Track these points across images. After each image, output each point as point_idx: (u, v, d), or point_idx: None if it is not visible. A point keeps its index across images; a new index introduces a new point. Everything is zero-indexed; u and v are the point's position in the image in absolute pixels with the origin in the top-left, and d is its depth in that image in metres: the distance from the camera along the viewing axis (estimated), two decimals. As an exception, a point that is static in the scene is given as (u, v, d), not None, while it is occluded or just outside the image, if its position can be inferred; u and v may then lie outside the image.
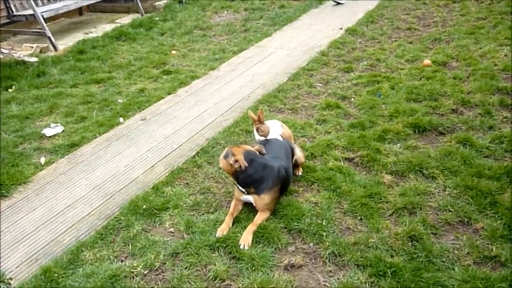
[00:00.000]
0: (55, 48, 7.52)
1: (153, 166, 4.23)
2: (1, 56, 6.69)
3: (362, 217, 3.40)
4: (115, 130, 4.92)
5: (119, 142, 4.67)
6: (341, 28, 7.96)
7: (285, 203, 3.53)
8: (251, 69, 6.44)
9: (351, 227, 3.34)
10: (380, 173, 3.89)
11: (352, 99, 5.33)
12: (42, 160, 4.39)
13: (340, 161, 4.08)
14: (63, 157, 4.45)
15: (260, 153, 3.40)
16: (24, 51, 7.33)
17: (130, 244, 3.26)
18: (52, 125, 4.99)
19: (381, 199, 3.57)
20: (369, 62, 6.37)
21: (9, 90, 5.99)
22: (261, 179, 3.31)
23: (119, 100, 5.59)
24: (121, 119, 5.12)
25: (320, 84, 5.80)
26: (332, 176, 3.82)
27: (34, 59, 6.80)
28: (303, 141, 4.45)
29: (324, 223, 3.34)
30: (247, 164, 3.22)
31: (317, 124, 4.79)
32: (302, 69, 6.23)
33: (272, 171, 3.34)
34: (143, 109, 5.37)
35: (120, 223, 3.47)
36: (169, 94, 5.76)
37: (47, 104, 5.52)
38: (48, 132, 4.85)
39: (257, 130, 3.83)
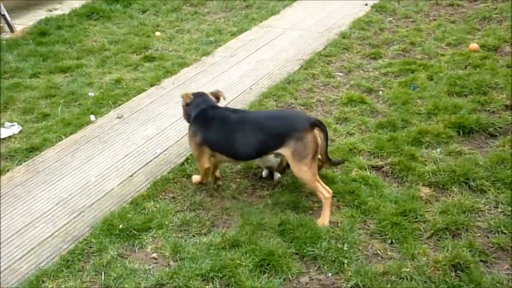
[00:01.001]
0: (11, 29, 7.54)
1: (131, 175, 4.22)
2: None
3: (393, 241, 3.39)
4: (84, 130, 4.92)
5: (90, 145, 4.67)
6: (366, 4, 7.97)
7: (296, 222, 3.52)
8: (254, 55, 6.44)
9: (379, 252, 3.32)
10: (416, 185, 3.88)
11: (380, 92, 5.33)
12: (-6, 167, 4.39)
13: (365, 170, 4.07)
14: (20, 164, 4.45)
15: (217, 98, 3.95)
16: (-28, 32, 7.38)
17: (103, 274, 3.25)
18: (7, 124, 5.00)
19: (416, 218, 3.55)
20: (401, 46, 6.37)
21: (-46, 80, 6.02)
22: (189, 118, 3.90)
23: (90, 93, 5.59)
24: (92, 117, 5.12)
25: (341, 74, 5.80)
26: (356, 189, 3.81)
27: (-16, 42, 6.83)
28: (319, 145, 4.43)
29: (345, 248, 3.32)
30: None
31: (337, 123, 4.78)
32: (317, 55, 6.23)
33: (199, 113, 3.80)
34: (119, 105, 5.37)
35: (90, 247, 3.46)
36: (152, 85, 5.77)
37: (0, 98, 5.53)
38: (2, 133, 4.86)
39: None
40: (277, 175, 4.07)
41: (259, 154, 3.67)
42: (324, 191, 3.60)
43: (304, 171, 3.53)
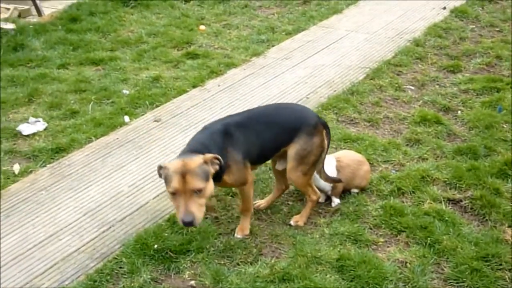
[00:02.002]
0: (39, 13, 7.74)
1: (169, 188, 4.26)
2: (-33, 19, 6.95)
3: (472, 289, 3.32)
4: (117, 132, 5.00)
5: (123, 150, 4.74)
6: (444, 8, 7.90)
7: (357, 258, 3.49)
8: (312, 59, 6.45)
9: (455, 302, 3.26)
10: (500, 225, 3.80)
11: (459, 112, 5.27)
12: (16, 168, 4.50)
13: (440, 202, 4.02)
14: (45, 165, 4.54)
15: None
16: (-3, 13, 7.60)
17: (133, 299, 3.28)
18: (31, 119, 5.11)
19: (501, 264, 3.47)
20: (485, 59, 6.29)
21: (-26, 66, 6.20)
22: None
23: (124, 91, 5.69)
24: (126, 118, 5.21)
25: (413, 87, 5.76)
26: (428, 225, 3.77)
27: (10, 26, 7.03)
28: (386, 169, 4.41)
29: (415, 293, 3.28)
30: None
31: (407, 145, 4.75)
32: (386, 63, 6.21)
33: None
34: (157, 106, 5.45)
35: (121, 267, 3.49)
36: (194, 87, 5.83)
37: (25, 90, 5.68)
38: (25, 129, 4.98)
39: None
40: (336, 201, 4.05)
41: (277, 150, 3.75)
42: (313, 194, 3.85)
43: (298, 176, 3.71)
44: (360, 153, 4.54)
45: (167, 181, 3.24)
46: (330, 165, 3.97)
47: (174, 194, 3.21)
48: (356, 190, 4.14)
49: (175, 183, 3.17)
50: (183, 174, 3.16)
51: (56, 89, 5.73)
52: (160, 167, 3.33)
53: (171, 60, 6.44)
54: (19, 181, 4.35)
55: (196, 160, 3.22)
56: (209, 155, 3.28)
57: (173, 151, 4.71)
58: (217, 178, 3.38)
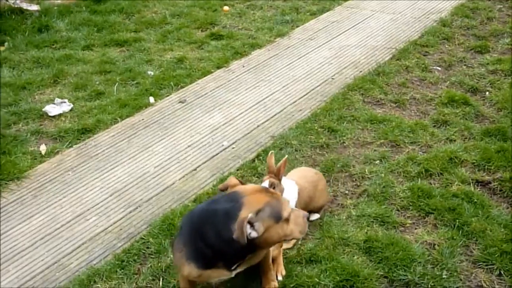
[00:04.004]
0: (64, -7, 7.74)
1: (195, 169, 4.27)
2: (-8, 1, 6.97)
3: (502, 272, 3.28)
4: (142, 113, 5.01)
5: (149, 131, 4.75)
6: (471, -13, 7.74)
7: (385, 239, 3.46)
8: (337, 39, 6.39)
9: (484, 285, 3.22)
10: (531, 207, 3.74)
11: (487, 93, 5.18)
12: (43, 148, 4.52)
13: (469, 184, 3.96)
14: (71, 146, 4.57)
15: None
16: (22, -6, 7.61)
17: (160, 279, 3.29)
18: (57, 100, 5.14)
19: (531, 246, 3.42)
20: (514, 39, 6.17)
21: (0, 48, 6.22)
22: None
23: (149, 72, 5.68)
24: (151, 99, 5.21)
25: (439, 68, 5.68)
26: (457, 207, 3.72)
27: (35, 7, 7.04)
28: (413, 150, 4.36)
29: (444, 276, 3.24)
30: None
31: (435, 126, 4.69)
32: (412, 44, 6.13)
33: None
34: (182, 87, 5.44)
35: (148, 247, 3.51)
36: (218, 68, 5.81)
37: (50, 71, 5.70)
38: (51, 110, 5.00)
39: (270, 186, 3.23)
40: (314, 215, 3.73)
41: None
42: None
43: None
44: (387, 134, 4.53)
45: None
46: (292, 192, 3.44)
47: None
48: (316, 216, 3.69)
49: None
50: None
51: (81, 70, 5.74)
52: None
53: (195, 41, 6.41)
54: (46, 162, 4.38)
55: None
56: None
57: (198, 132, 4.72)
58: None
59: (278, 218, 2.66)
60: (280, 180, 3.31)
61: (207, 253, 2.71)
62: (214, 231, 2.65)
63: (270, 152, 3.50)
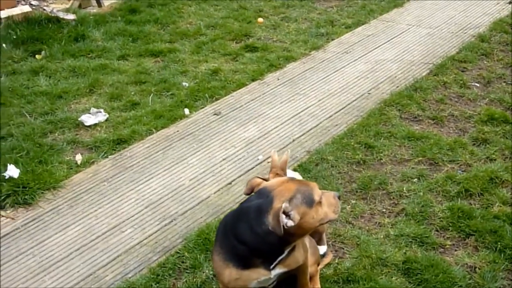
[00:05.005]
0: (99, 4, 7.82)
1: (230, 183, 4.25)
2: (30, 9, 7.05)
3: (546, 298, 3.19)
4: (177, 125, 5.01)
5: (183, 143, 4.75)
6: (510, 2, 7.64)
7: (424, 261, 3.40)
8: (373, 53, 6.36)
9: (528, 311, 3.14)
10: None
11: (528, 111, 5.08)
12: (78, 158, 4.55)
13: (511, 206, 3.88)
14: (107, 157, 4.58)
15: None
16: (58, 4, 7.69)
17: (196, 295, 3.27)
18: (93, 110, 5.16)
19: None
20: (555, 56, 6.06)
21: (37, 56, 6.29)
22: None
23: (183, 83, 5.69)
24: (186, 111, 5.21)
25: (478, 84, 5.61)
26: (498, 229, 3.64)
27: (71, 17, 7.11)
28: (452, 169, 4.28)
29: (486, 300, 3.16)
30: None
31: (474, 144, 4.62)
32: (450, 59, 6.06)
33: None
34: (216, 99, 5.44)
35: (183, 262, 3.49)
36: (253, 80, 5.80)
37: (86, 80, 5.74)
38: (87, 119, 5.03)
39: None
40: (322, 248, 3.52)
41: None
42: None
43: None
44: (425, 151, 4.46)
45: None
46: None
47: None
48: (324, 248, 3.50)
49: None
50: None
51: (117, 80, 5.76)
52: None
53: (229, 52, 6.41)
54: (81, 172, 4.40)
55: None
56: None
57: (233, 145, 4.70)
58: None
59: (311, 202, 2.64)
60: (285, 175, 3.26)
61: (244, 251, 2.68)
62: (249, 227, 2.63)
63: (273, 150, 3.43)
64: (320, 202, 2.68)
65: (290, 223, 2.56)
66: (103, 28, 6.96)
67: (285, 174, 3.26)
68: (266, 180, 2.82)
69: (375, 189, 4.11)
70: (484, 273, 3.34)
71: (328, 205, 2.74)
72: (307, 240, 3.05)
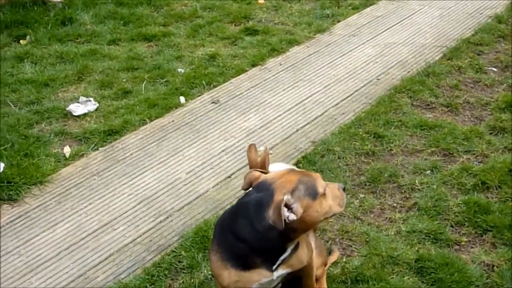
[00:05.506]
0: (88, -16, 7.77)
1: (230, 176, 4.24)
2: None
3: None
4: (173, 114, 5.00)
5: (179, 134, 4.74)
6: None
7: (438, 259, 3.39)
8: (382, 36, 6.34)
9: (550, 311, 3.13)
10: None
11: (550, 97, 5.06)
12: (67, 150, 4.53)
13: (531, 199, 3.86)
14: (97, 149, 4.57)
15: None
16: (44, -16, 7.66)
17: (194, 296, 3.26)
18: (82, 99, 5.15)
19: None
20: None
21: (22, 41, 6.27)
22: None
23: (179, 70, 5.68)
24: (182, 99, 5.20)
25: (495, 69, 5.60)
26: (518, 224, 3.63)
27: (58, -2, 7.08)
28: (468, 160, 4.27)
29: (505, 301, 3.16)
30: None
31: (491, 133, 4.61)
32: (464, 42, 6.04)
33: None
34: (214, 86, 5.43)
35: (180, 261, 3.48)
36: (254, 65, 5.79)
37: (74, 67, 5.72)
38: (75, 109, 5.02)
39: None
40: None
41: None
42: None
43: None
44: (438, 141, 4.45)
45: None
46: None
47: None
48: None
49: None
50: None
51: (107, 67, 5.75)
52: None
53: (228, 36, 6.39)
54: (70, 165, 4.38)
55: None
56: None
57: (233, 136, 4.69)
58: None
59: (314, 194, 2.60)
60: (265, 171, 3.18)
61: (243, 249, 2.65)
62: (248, 223, 2.60)
63: (250, 144, 3.25)
64: (324, 194, 2.65)
65: (292, 216, 2.53)
66: (92, 11, 6.94)
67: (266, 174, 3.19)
68: (265, 173, 2.79)
69: (385, 182, 4.09)
70: (503, 271, 3.32)
71: (332, 198, 2.71)
72: (313, 240, 3.04)
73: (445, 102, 5.02)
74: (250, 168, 3.12)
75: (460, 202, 3.86)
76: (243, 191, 2.84)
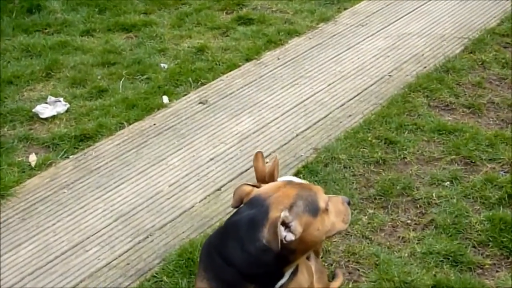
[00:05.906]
0: (59, -35, 7.77)
1: (219, 189, 4.23)
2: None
3: None
4: (154, 117, 5.00)
5: (162, 139, 4.74)
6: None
7: (459, 284, 3.39)
8: (395, 25, 6.38)
9: None
10: None
11: None
12: (33, 159, 4.52)
13: None
14: (67, 157, 4.56)
15: None
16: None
17: (177, 329, 3.25)
18: (50, 98, 5.14)
19: None
20: None
21: (-18, 32, 6.28)
22: None
23: (162, 65, 5.68)
24: (165, 99, 5.20)
25: (524, 64, 5.61)
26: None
27: (24, -18, 7.07)
28: (493, 170, 4.28)
29: (535, 334, 3.15)
30: None
31: (519, 139, 4.61)
32: (489, 33, 6.08)
33: None
34: (202, 84, 5.43)
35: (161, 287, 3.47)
36: (248, 60, 5.80)
37: (42, 62, 5.72)
38: (43, 110, 5.01)
39: None
40: None
41: None
42: None
43: None
44: (459, 148, 4.46)
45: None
46: None
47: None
48: None
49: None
50: None
51: (80, 61, 5.76)
52: None
53: (218, 26, 6.43)
54: (36, 176, 4.37)
55: None
56: None
57: (223, 142, 4.70)
58: None
59: (315, 210, 2.56)
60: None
61: (234, 275, 2.58)
62: (239, 245, 2.54)
63: (256, 152, 3.16)
64: (326, 210, 2.62)
65: (290, 236, 2.49)
66: (63, -3, 6.95)
67: None
68: (257, 187, 2.76)
69: (397, 196, 4.09)
70: (534, 299, 3.33)
71: (336, 213, 2.68)
72: (313, 263, 3.02)
73: (466, 103, 5.03)
74: (258, 181, 3.10)
75: (484, 218, 3.85)
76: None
